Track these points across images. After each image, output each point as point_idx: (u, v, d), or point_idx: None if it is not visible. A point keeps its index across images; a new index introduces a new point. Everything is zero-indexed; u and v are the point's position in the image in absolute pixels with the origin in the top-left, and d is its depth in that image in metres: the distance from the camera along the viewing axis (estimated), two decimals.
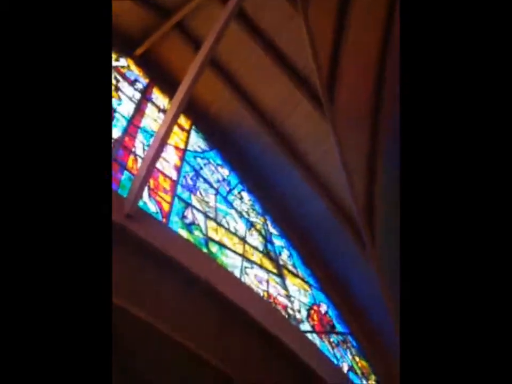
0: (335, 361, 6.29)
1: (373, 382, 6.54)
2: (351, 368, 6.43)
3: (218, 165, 7.63)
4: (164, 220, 5.92)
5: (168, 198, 6.27)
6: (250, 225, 7.14)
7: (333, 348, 6.46)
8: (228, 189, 7.39)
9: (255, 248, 6.85)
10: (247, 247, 6.74)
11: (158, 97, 7.72)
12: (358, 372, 6.49)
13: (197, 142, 7.64)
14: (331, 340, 6.57)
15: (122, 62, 7.61)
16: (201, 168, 7.29)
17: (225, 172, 7.63)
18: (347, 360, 6.50)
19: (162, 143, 5.96)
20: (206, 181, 7.16)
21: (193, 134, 7.66)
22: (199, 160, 7.39)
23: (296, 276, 7.05)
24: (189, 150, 7.34)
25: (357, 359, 6.66)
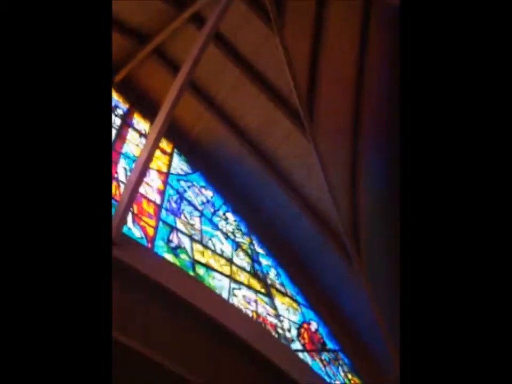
0: (328, 380, 6.25)
1: None
2: None
3: (202, 186, 7.63)
4: (149, 245, 5.89)
5: (152, 223, 6.25)
6: (237, 245, 7.13)
7: (324, 366, 6.42)
8: (212, 210, 7.39)
9: (242, 269, 6.83)
10: (234, 268, 6.72)
11: (139, 122, 7.73)
12: None
13: (179, 165, 7.64)
14: (322, 357, 6.54)
15: None
16: (185, 191, 7.29)
17: (209, 193, 7.63)
18: (339, 378, 6.47)
19: (145, 167, 5.95)
20: (190, 203, 7.15)
21: (175, 157, 7.67)
22: (182, 183, 7.38)
23: (284, 294, 7.03)
24: (172, 173, 7.34)
25: (350, 376, 6.63)
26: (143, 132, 7.57)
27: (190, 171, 7.71)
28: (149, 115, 7.61)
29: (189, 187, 7.41)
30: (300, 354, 6.29)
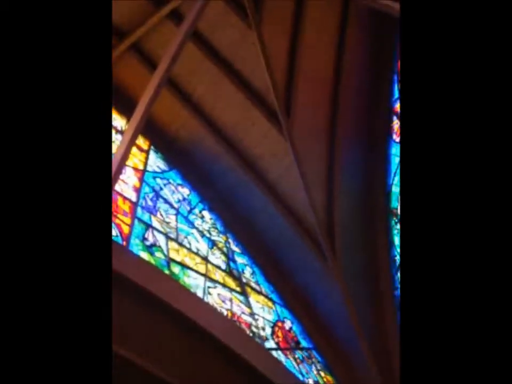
0: (301, 378, 6.31)
1: None
2: None
3: (178, 184, 7.61)
4: (124, 243, 5.87)
5: (128, 221, 6.22)
6: (212, 244, 7.14)
7: (298, 364, 6.48)
8: (188, 208, 7.38)
9: (218, 267, 6.84)
10: (209, 266, 6.73)
11: (116, 118, 7.67)
12: None
13: (156, 162, 7.61)
14: (296, 356, 6.59)
15: None
16: (161, 188, 7.26)
17: (185, 191, 7.61)
18: (312, 375, 6.53)
19: (121, 164, 5.91)
20: (166, 201, 7.14)
21: (152, 155, 7.63)
22: (158, 180, 7.36)
23: (259, 293, 7.07)
24: (148, 171, 7.31)
25: (323, 374, 6.70)
26: (119, 128, 7.52)
27: (166, 168, 7.68)
28: (126, 111, 7.55)
29: (165, 185, 7.38)
30: (274, 353, 6.34)
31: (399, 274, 7.37)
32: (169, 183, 7.49)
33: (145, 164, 7.34)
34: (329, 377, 6.74)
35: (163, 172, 7.58)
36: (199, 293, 6.16)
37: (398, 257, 7.51)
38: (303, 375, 6.42)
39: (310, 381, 6.45)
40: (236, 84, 7.43)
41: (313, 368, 6.69)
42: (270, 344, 6.47)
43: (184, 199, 7.46)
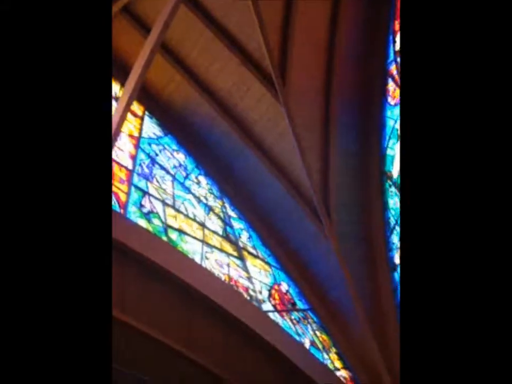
0: (297, 338, 6.49)
1: (334, 354, 6.79)
2: (312, 343, 6.66)
3: (174, 150, 7.62)
4: (122, 211, 5.93)
5: (124, 188, 6.27)
6: (209, 209, 7.21)
7: (294, 325, 6.66)
8: (184, 174, 7.41)
9: (215, 232, 6.94)
10: (206, 231, 6.82)
11: None
12: (319, 345, 6.72)
13: (151, 128, 7.60)
14: (292, 317, 6.76)
15: None
16: (156, 154, 7.28)
17: (181, 157, 7.63)
18: (308, 335, 6.72)
19: (116, 131, 5.92)
20: (162, 167, 7.17)
21: (147, 120, 7.61)
22: (154, 146, 7.37)
23: (256, 257, 7.19)
24: (144, 137, 7.31)
25: (318, 333, 6.89)
26: (113, 94, 7.47)
27: (161, 134, 7.68)
28: (119, 77, 7.49)
29: (160, 151, 7.40)
30: (271, 315, 6.50)
31: (393, 236, 7.50)
32: (165, 149, 7.50)
33: (140, 130, 7.34)
34: (324, 337, 6.93)
35: (158, 138, 7.59)
36: (197, 259, 6.27)
37: (392, 219, 7.61)
38: (299, 335, 6.61)
39: (306, 340, 6.64)
40: (230, 48, 7.35)
41: (309, 328, 6.88)
42: (267, 306, 6.63)
43: (180, 165, 7.49)
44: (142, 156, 7.01)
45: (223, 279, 6.36)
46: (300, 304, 7.08)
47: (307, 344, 6.56)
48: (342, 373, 6.62)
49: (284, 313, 6.73)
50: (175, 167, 7.38)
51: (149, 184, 6.69)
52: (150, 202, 6.46)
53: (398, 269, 7.20)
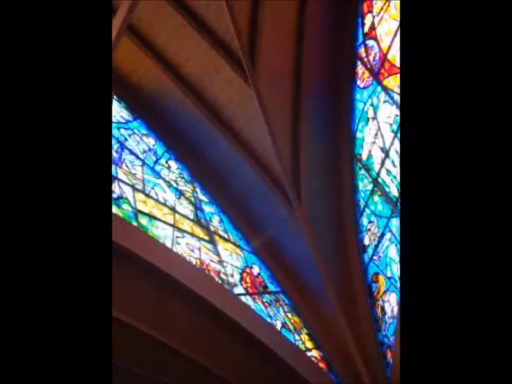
0: (269, 320, 6.56)
1: (305, 335, 6.89)
2: (284, 325, 6.74)
3: (143, 134, 7.57)
4: None
5: None
6: (180, 194, 7.19)
7: (266, 308, 6.72)
8: (154, 158, 7.37)
9: (186, 217, 6.93)
10: (177, 216, 6.81)
11: None
12: (291, 327, 6.81)
13: (119, 112, 7.52)
14: (264, 300, 6.83)
15: None
16: (125, 139, 7.22)
17: (151, 141, 7.58)
18: (280, 317, 6.80)
19: None
20: (131, 152, 7.11)
21: (115, 105, 7.53)
22: (123, 131, 7.30)
23: (227, 240, 7.21)
24: (112, 121, 7.23)
25: (290, 315, 6.97)
26: None
27: (130, 118, 7.61)
28: None
29: (129, 135, 7.34)
30: (243, 298, 6.56)
31: (362, 218, 7.59)
32: (134, 133, 7.44)
33: None
34: (296, 318, 7.02)
35: (127, 122, 7.51)
36: (168, 243, 6.27)
37: (362, 202, 7.70)
38: (270, 318, 6.68)
39: (278, 322, 6.71)
40: (199, 32, 7.29)
41: (281, 310, 6.95)
42: (239, 289, 6.68)
43: (149, 149, 7.44)
44: None
45: (194, 263, 6.38)
46: (271, 287, 7.15)
47: (278, 326, 6.64)
48: (313, 353, 6.73)
49: (256, 296, 6.79)
50: (144, 151, 7.33)
51: (118, 169, 6.64)
52: (120, 187, 6.42)
53: (368, 251, 7.30)
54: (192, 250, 6.50)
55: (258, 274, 7.15)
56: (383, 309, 6.84)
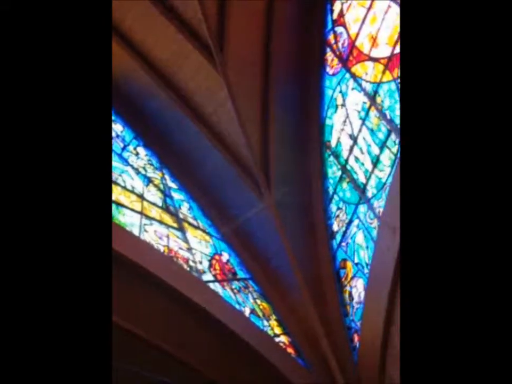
0: (237, 307, 6.59)
1: (274, 321, 6.94)
2: (252, 311, 6.78)
3: None
4: None
5: None
6: (148, 181, 7.14)
7: (235, 294, 6.75)
8: (122, 145, 7.29)
9: (154, 204, 6.90)
10: (145, 203, 6.77)
11: None
12: (260, 313, 6.85)
13: None
14: (233, 286, 6.85)
15: None
16: None
17: (118, 127, 7.49)
18: (249, 304, 6.83)
19: None
20: None
21: None
22: None
23: (197, 227, 7.20)
24: None
25: (259, 301, 7.01)
26: None
27: None
28: None
29: None
30: (211, 285, 6.57)
31: (331, 205, 7.64)
32: None
33: None
34: (265, 304, 7.07)
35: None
36: (135, 231, 6.23)
37: (330, 188, 7.74)
38: (239, 304, 6.71)
39: (247, 309, 6.75)
40: (167, 17, 7.20)
41: (250, 297, 6.99)
42: (208, 277, 6.68)
43: (117, 135, 7.36)
44: None
45: (162, 250, 6.35)
46: (240, 274, 7.18)
47: (247, 313, 6.68)
48: (282, 339, 6.79)
49: (225, 283, 6.81)
50: (111, 138, 7.24)
51: None
52: None
53: (336, 237, 7.37)
54: (160, 238, 6.47)
55: (228, 261, 7.17)
56: (350, 294, 6.93)
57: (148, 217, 6.59)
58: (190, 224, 7.14)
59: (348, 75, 7.52)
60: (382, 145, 6.73)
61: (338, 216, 7.44)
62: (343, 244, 7.23)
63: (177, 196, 7.39)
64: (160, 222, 6.72)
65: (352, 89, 7.44)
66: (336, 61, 7.90)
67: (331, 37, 8.07)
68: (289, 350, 6.71)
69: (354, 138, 7.32)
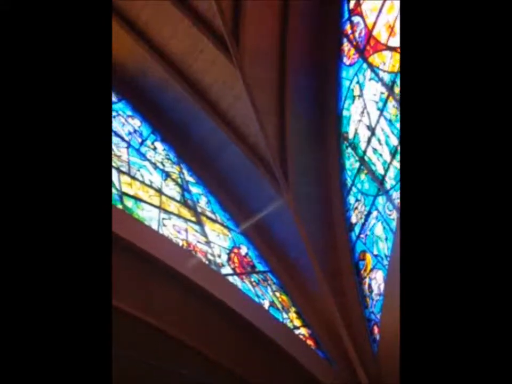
0: (256, 300, 6.61)
1: (293, 314, 6.95)
2: (272, 304, 6.79)
3: (128, 116, 7.50)
4: None
5: None
6: (166, 175, 7.17)
7: (254, 287, 6.76)
8: (140, 140, 7.33)
9: (172, 199, 6.92)
10: (163, 198, 6.80)
11: None
12: (279, 306, 6.86)
13: None
14: (252, 279, 6.86)
15: None
16: None
17: (136, 122, 7.52)
18: (268, 296, 6.84)
19: None
20: (116, 134, 7.06)
21: None
22: None
23: (215, 221, 7.22)
24: None
25: (278, 294, 7.02)
26: None
27: (115, 100, 7.54)
28: None
29: (114, 117, 7.27)
30: (230, 278, 6.59)
31: (349, 196, 7.60)
32: (119, 114, 7.38)
33: None
34: (284, 297, 7.07)
35: (112, 103, 7.45)
36: (154, 226, 6.27)
37: (348, 180, 7.70)
38: (258, 297, 6.72)
39: (266, 302, 6.76)
40: (182, 10, 7.19)
41: (269, 289, 7.00)
42: (227, 270, 6.70)
43: (135, 131, 7.39)
44: None
45: (180, 244, 6.38)
46: (259, 267, 7.18)
47: (266, 305, 6.69)
48: (301, 331, 6.79)
49: (243, 276, 6.82)
50: (129, 133, 7.28)
51: None
52: None
53: (355, 229, 7.33)
54: (178, 232, 6.50)
55: (246, 254, 7.18)
56: (370, 286, 6.90)
57: (166, 211, 6.62)
58: (208, 217, 7.16)
59: (365, 65, 7.45)
60: None
61: (356, 208, 7.39)
62: (362, 235, 7.19)
63: (195, 189, 7.42)
64: (179, 216, 6.75)
65: (370, 79, 7.37)
66: (353, 51, 7.83)
67: (348, 27, 7.99)
68: (309, 342, 6.71)
69: (372, 129, 7.26)
